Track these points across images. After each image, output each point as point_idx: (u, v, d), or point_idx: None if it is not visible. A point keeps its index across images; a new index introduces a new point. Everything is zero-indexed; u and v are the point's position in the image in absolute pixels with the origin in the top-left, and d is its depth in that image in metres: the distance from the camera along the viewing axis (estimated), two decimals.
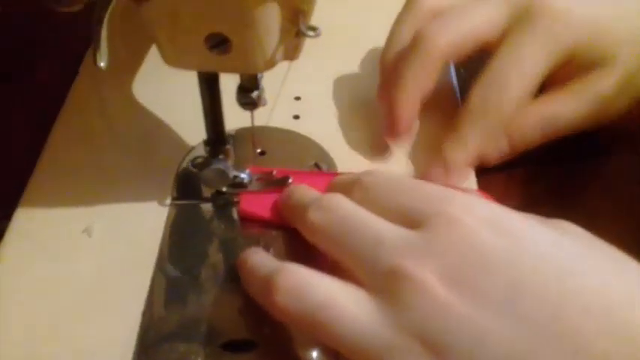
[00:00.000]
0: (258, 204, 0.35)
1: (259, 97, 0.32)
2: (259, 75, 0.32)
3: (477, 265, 0.23)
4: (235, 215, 0.36)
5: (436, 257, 0.23)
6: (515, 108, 0.35)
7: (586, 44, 0.35)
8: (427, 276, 0.23)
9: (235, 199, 0.36)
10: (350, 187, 0.30)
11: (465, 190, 0.35)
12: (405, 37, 0.37)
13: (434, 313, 0.22)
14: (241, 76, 0.32)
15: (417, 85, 0.36)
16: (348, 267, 0.26)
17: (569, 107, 0.36)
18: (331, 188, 0.32)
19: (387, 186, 0.29)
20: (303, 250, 0.30)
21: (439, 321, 0.22)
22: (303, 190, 0.32)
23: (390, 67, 0.38)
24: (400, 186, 0.28)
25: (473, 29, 0.35)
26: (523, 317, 0.21)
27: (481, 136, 0.35)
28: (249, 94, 0.32)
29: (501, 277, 0.22)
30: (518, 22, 0.34)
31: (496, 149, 0.36)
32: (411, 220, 0.26)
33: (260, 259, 0.29)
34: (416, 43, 0.36)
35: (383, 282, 0.24)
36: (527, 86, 0.35)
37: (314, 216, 0.28)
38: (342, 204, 0.28)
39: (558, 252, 0.23)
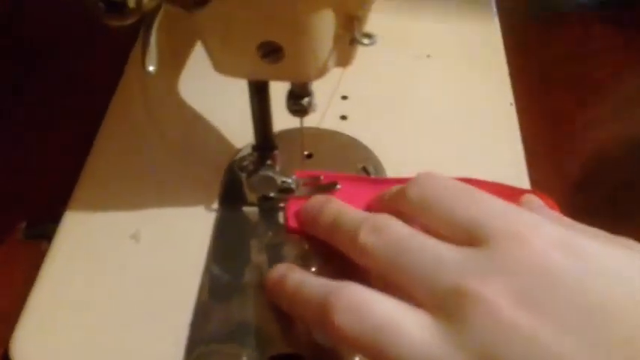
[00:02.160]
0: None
1: (310, 103, 0.31)
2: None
3: (547, 286, 0.22)
4: (282, 220, 0.35)
5: (503, 276, 0.22)
6: None
7: None
8: (493, 295, 0.22)
9: (281, 205, 0.35)
10: (397, 201, 0.29)
11: (522, 192, 0.34)
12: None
13: (500, 333, 0.21)
14: (292, 82, 0.31)
15: None
16: (404, 288, 0.25)
17: None
18: (377, 204, 0.31)
19: (438, 197, 0.27)
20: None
21: (506, 342, 0.21)
22: (335, 206, 0.31)
23: None
24: (453, 197, 0.27)
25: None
26: (597, 340, 0.20)
27: None
28: (299, 102, 0.31)
29: (573, 299, 0.21)
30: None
31: None
32: (470, 236, 0.24)
33: (307, 278, 0.28)
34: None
35: (445, 301, 0.23)
36: None
37: (366, 238, 0.27)
38: (395, 225, 0.27)
39: (633, 274, 0.22)
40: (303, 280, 0.28)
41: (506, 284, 0.22)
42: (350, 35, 0.26)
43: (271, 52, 0.26)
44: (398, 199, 0.29)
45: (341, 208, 0.31)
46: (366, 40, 0.26)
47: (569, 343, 0.21)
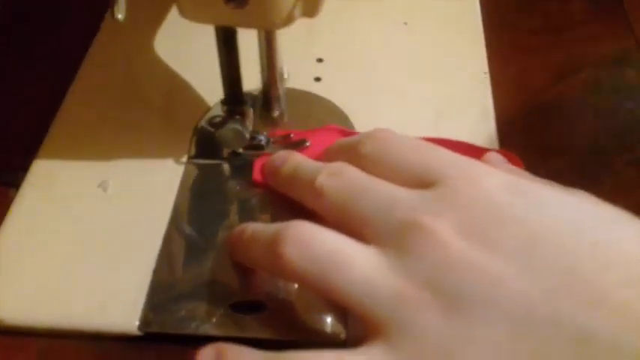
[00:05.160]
0: None
1: None
2: None
3: (492, 219, 0.23)
4: (250, 176, 0.35)
5: (451, 212, 0.23)
6: None
7: None
8: (441, 227, 0.23)
9: (251, 160, 0.35)
10: (353, 150, 0.29)
11: (486, 151, 0.34)
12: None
13: (446, 262, 0.22)
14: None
15: None
16: (356, 229, 0.25)
17: None
18: (332, 152, 0.32)
19: (392, 146, 0.28)
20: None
21: (452, 270, 0.22)
22: (297, 158, 0.32)
23: None
24: (407, 149, 0.28)
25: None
26: (539, 267, 0.21)
27: None
28: None
29: (517, 230, 0.22)
30: None
31: None
32: (423, 180, 0.25)
33: (262, 225, 0.28)
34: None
35: (394, 235, 0.24)
36: None
37: (323, 181, 0.27)
38: (351, 170, 0.27)
39: (573, 210, 0.23)
40: (257, 227, 0.28)
41: (455, 219, 0.23)
42: None
43: None
44: (351, 155, 0.29)
45: (301, 160, 0.31)
46: None
47: (513, 270, 0.21)
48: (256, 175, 0.34)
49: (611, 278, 0.20)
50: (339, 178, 0.27)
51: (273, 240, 0.25)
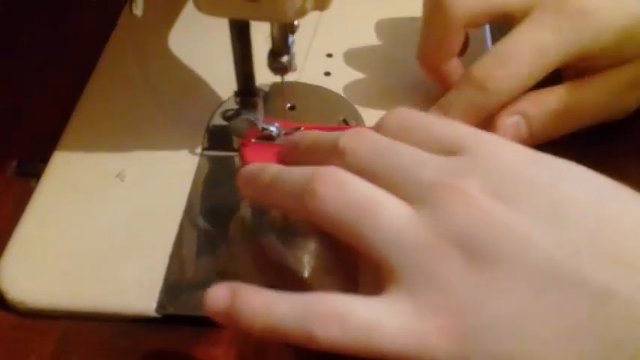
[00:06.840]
0: (262, 156, 0.35)
1: (290, 61, 0.33)
2: (290, 39, 0.33)
3: (520, 183, 0.23)
4: None
5: (479, 176, 0.24)
6: (516, 90, 0.34)
7: (611, 49, 0.34)
8: (470, 187, 0.23)
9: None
10: (375, 129, 0.29)
11: None
12: None
13: (475, 219, 0.22)
14: (273, 40, 0.32)
15: (440, 51, 0.37)
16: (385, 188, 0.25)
17: (595, 97, 0.35)
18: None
19: (414, 120, 0.28)
20: None
21: (480, 226, 0.22)
22: (315, 135, 0.31)
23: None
24: (430, 122, 0.28)
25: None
26: (564, 227, 0.22)
27: (468, 113, 0.35)
28: (279, 59, 0.32)
29: (543, 194, 0.23)
30: (548, 5, 0.34)
31: (515, 136, 0.35)
32: (447, 149, 0.25)
33: (284, 167, 0.28)
34: (433, 10, 0.36)
35: (424, 193, 0.24)
36: (537, 71, 0.34)
37: (347, 143, 0.27)
38: (377, 135, 0.27)
39: (595, 182, 0.23)
40: (282, 168, 0.28)
41: (483, 181, 0.23)
42: None
43: None
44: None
45: (317, 135, 0.30)
46: None
47: (539, 229, 0.22)
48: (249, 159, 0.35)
49: (634, 243, 0.21)
50: (363, 140, 0.27)
51: (307, 179, 0.25)
